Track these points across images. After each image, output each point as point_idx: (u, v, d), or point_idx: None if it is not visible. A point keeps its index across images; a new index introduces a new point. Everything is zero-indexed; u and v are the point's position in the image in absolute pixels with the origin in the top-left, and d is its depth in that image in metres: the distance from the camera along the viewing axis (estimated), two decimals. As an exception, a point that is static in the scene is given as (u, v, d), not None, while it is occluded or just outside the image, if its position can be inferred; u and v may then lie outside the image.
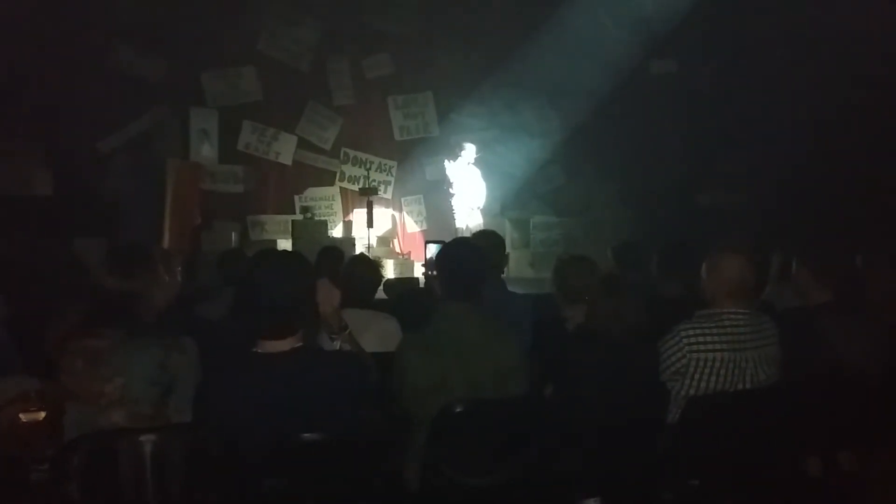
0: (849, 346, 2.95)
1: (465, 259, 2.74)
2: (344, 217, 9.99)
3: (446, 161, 8.64)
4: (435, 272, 2.79)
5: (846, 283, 3.26)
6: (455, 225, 8.45)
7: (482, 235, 3.98)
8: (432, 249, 3.80)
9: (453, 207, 8.52)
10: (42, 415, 2.25)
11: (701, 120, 9.10)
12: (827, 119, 8.13)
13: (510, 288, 3.80)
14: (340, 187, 10.05)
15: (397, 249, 9.88)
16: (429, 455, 2.34)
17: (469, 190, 8.45)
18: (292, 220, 9.38)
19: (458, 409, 2.29)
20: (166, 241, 8.16)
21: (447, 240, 3.49)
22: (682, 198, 9.18)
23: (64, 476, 1.93)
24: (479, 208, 8.50)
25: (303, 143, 9.87)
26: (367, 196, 9.08)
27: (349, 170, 10.05)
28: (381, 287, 4.37)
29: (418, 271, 8.02)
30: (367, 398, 2.30)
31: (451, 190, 8.52)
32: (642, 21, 8.82)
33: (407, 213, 10.21)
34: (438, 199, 9.68)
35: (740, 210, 8.68)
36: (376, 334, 3.34)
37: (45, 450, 2.45)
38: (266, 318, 2.19)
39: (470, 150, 8.50)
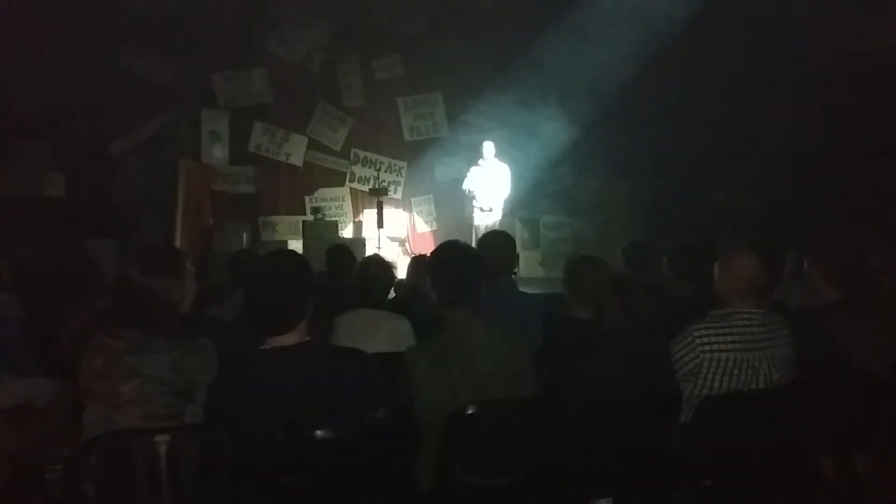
0: (860, 345, 2.94)
1: (459, 263, 2.62)
2: (354, 217, 10.02)
3: (472, 166, 8.63)
4: (430, 278, 2.67)
5: (857, 281, 3.24)
6: (473, 224, 8.45)
7: (493, 235, 3.97)
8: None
9: (473, 208, 8.52)
10: None
11: (712, 119, 9.06)
12: (842, 117, 8.08)
13: (521, 288, 3.80)
14: (351, 188, 10.09)
15: (407, 249, 9.89)
16: (441, 456, 2.34)
17: (489, 190, 8.45)
18: (303, 221, 9.42)
19: (470, 411, 2.29)
20: (178, 242, 8.20)
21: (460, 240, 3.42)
22: (693, 197, 9.14)
23: (80, 476, 1.95)
24: (492, 208, 8.48)
25: (313, 144, 9.91)
26: (377, 196, 9.10)
27: (359, 170, 10.08)
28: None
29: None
30: (378, 395, 2.30)
31: (470, 191, 8.51)
32: (653, 19, 8.78)
33: (417, 213, 10.24)
34: (448, 199, 9.70)
35: (753, 209, 8.64)
36: (388, 335, 3.35)
37: (61, 450, 2.47)
38: (265, 315, 2.20)
39: (489, 148, 8.50)
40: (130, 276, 2.44)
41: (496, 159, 8.57)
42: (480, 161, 8.58)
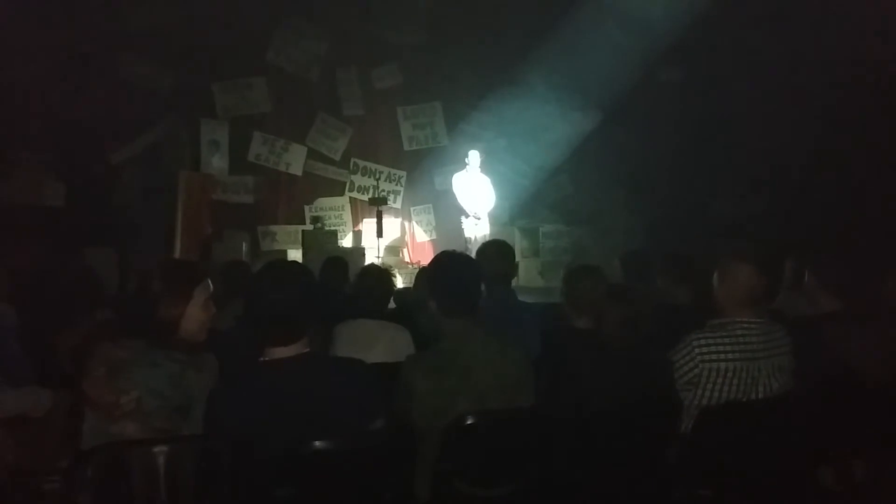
0: (859, 354, 2.93)
1: (457, 272, 2.62)
2: (354, 227, 10.03)
3: (455, 174, 8.61)
4: (427, 287, 2.68)
5: (855, 291, 3.23)
6: (464, 234, 8.43)
7: (492, 244, 3.96)
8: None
9: (461, 217, 8.51)
10: None
11: (710, 126, 9.07)
12: (841, 125, 8.08)
13: (520, 297, 3.79)
14: (350, 197, 10.09)
15: (406, 259, 9.89)
16: (439, 467, 2.33)
17: (471, 199, 8.42)
18: (302, 231, 9.42)
19: (469, 422, 2.29)
20: (177, 252, 8.19)
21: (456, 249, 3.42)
22: (692, 205, 9.14)
23: (77, 487, 1.94)
24: (479, 216, 8.45)
25: (313, 154, 9.92)
26: (377, 206, 9.11)
27: (359, 180, 10.09)
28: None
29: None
30: (377, 405, 2.29)
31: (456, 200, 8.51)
32: (650, 28, 8.80)
33: (416, 222, 10.25)
34: (447, 208, 9.70)
35: (752, 217, 8.63)
36: (388, 345, 3.35)
37: (58, 461, 2.46)
38: (268, 326, 2.19)
39: (474, 157, 8.47)
40: (148, 287, 2.42)
41: (479, 170, 8.54)
42: (466, 169, 8.57)
